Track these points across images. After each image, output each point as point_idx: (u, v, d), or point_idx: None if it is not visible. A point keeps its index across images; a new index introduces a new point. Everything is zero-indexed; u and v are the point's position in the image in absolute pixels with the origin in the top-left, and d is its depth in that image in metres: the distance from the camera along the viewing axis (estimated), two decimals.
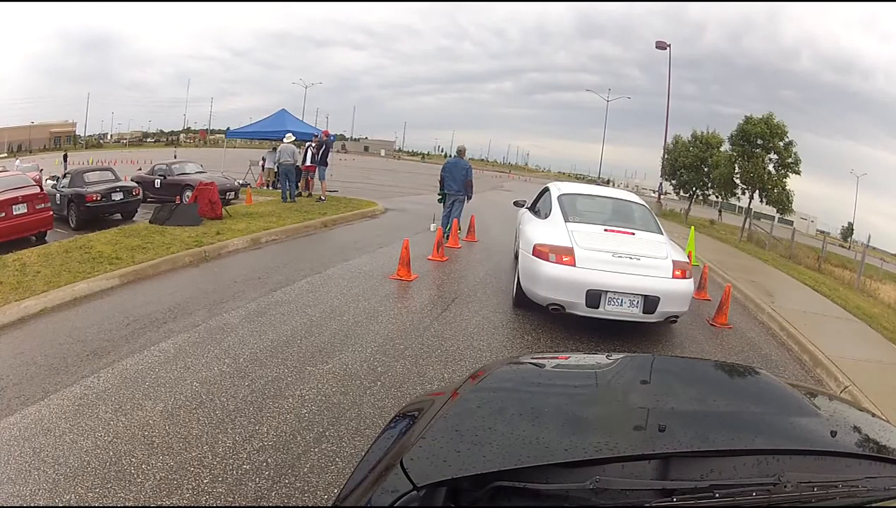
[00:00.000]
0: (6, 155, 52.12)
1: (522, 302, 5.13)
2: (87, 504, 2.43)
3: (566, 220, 5.16)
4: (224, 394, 3.44)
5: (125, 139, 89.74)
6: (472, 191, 9.42)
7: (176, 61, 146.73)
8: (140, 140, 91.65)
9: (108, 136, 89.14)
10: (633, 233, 5.09)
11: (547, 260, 4.61)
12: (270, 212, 10.95)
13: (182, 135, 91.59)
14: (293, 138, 13.78)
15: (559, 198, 5.66)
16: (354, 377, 3.62)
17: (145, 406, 3.28)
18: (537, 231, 5.17)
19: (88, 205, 11.48)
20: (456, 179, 9.28)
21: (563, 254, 4.59)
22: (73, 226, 11.54)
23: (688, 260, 5.11)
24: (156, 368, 3.81)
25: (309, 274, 6.38)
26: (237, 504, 2.42)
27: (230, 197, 13.72)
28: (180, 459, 2.74)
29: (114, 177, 12.61)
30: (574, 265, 4.54)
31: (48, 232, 10.44)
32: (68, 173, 13.18)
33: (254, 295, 5.51)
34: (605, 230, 5.02)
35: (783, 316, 6.48)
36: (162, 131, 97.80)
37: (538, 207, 6.17)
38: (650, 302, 4.48)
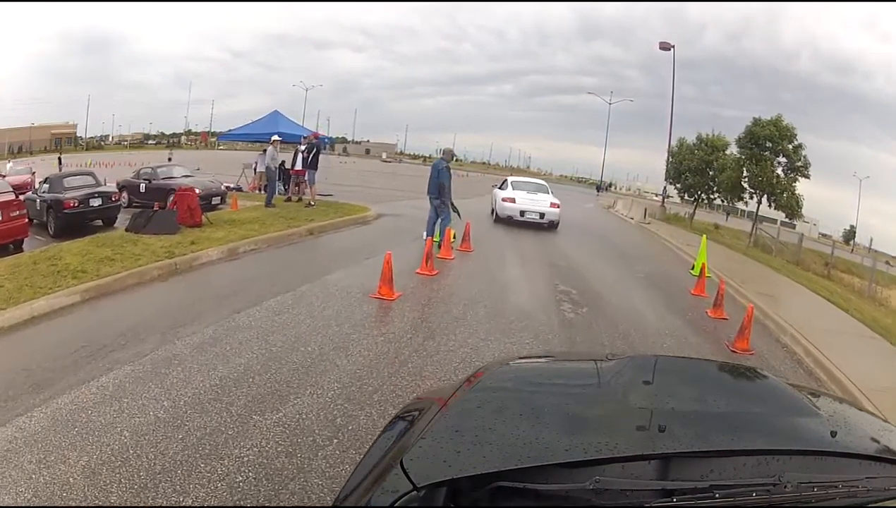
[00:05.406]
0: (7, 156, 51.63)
1: (498, 219, 13.18)
2: (87, 504, 2.41)
3: (513, 189, 13.45)
4: (153, 449, 2.93)
5: (126, 141, 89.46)
6: (445, 196, 8.87)
7: (176, 63, 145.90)
8: (141, 142, 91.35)
9: (110, 138, 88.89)
10: (537, 193, 13.45)
11: (507, 201, 12.83)
12: (254, 218, 10.38)
13: (183, 137, 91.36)
14: (277, 139, 13.24)
15: (511, 181, 14.44)
16: (307, 432, 3.01)
17: (69, 458, 2.87)
18: (502, 193, 13.41)
19: (66, 211, 11.01)
20: (432, 183, 8.93)
21: (512, 200, 12.82)
22: (51, 233, 11.05)
23: (558, 201, 13.12)
24: (89, 409, 3.37)
25: (281, 291, 5.76)
26: (237, 504, 2.37)
27: (216, 202, 13.17)
28: None
29: (94, 182, 12.11)
30: (515, 202, 12.72)
31: (25, 239, 9.99)
32: (48, 178, 12.71)
33: (214, 317, 4.92)
34: (527, 192, 13.35)
35: (806, 338, 5.97)
36: (163, 133, 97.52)
37: (503, 185, 14.22)
38: (542, 215, 12.66)
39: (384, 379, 3.73)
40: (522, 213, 12.57)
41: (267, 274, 6.90)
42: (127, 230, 8.96)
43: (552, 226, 12.83)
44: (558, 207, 12.83)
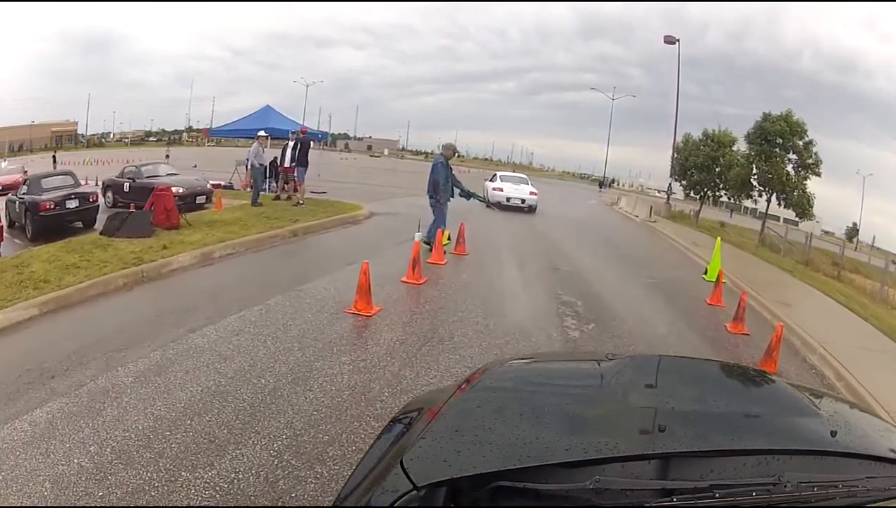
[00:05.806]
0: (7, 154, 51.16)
1: (489, 205, 14.10)
2: (87, 504, 2.41)
3: (501, 181, 17.37)
4: None
5: (127, 138, 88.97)
6: (439, 194, 8.39)
7: (177, 61, 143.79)
8: (142, 139, 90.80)
9: (111, 135, 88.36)
10: (519, 184, 17.26)
11: (496, 190, 16.37)
12: (236, 219, 9.81)
13: (185, 134, 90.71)
14: (263, 136, 12.71)
15: (499, 175, 18.35)
16: (241, 497, 2.44)
17: None
18: (492, 184, 17.05)
19: (42, 214, 10.55)
20: (430, 181, 8.42)
21: (500, 189, 16.52)
22: (28, 236, 10.58)
23: (536, 190, 17.11)
24: (17, 451, 2.97)
25: (247, 305, 5.17)
26: (238, 504, 2.33)
27: (201, 201, 12.61)
28: None
29: (73, 183, 11.61)
30: (503, 191, 16.41)
31: (1, 244, 9.52)
32: (27, 179, 12.25)
33: (167, 337, 4.36)
34: (512, 183, 17.22)
35: (835, 357, 5.41)
36: (164, 130, 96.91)
37: (492, 178, 17.80)
38: (523, 200, 16.38)
39: (345, 425, 3.10)
40: (508, 199, 16.25)
41: (237, 282, 6.35)
42: (101, 233, 8.47)
43: (531, 209, 16.60)
44: (536, 195, 16.89)
